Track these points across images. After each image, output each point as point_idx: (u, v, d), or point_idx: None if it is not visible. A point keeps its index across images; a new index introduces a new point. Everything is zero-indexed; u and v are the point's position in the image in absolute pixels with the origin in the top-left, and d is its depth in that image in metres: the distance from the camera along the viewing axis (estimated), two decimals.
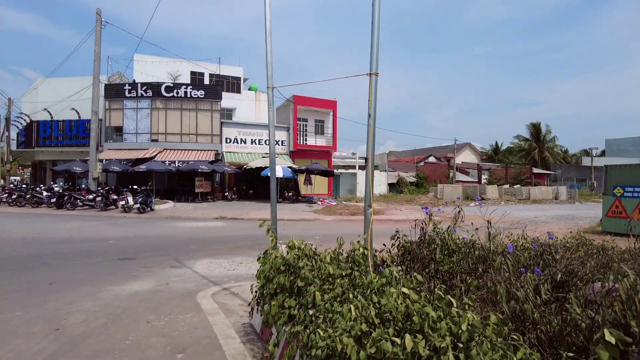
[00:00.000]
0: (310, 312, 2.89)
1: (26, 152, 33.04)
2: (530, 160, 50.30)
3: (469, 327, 1.88)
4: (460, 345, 1.85)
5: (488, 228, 3.87)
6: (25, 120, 31.85)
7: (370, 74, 3.82)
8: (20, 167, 60.12)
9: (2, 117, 37.41)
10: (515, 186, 36.63)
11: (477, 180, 43.05)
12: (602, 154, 57.08)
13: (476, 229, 4.18)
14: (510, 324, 2.06)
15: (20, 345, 3.85)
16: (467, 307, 2.08)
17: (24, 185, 25.52)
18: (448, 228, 4.28)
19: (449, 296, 2.06)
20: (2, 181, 37.95)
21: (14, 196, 21.06)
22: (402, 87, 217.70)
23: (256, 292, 4.03)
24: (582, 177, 48.59)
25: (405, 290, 2.21)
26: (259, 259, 4.09)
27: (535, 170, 45.92)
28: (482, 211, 4.41)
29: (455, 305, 2.02)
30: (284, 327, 3.22)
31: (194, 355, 3.70)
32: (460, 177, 46.81)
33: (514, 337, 1.87)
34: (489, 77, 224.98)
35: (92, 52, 21.91)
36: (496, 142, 59.01)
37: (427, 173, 44.96)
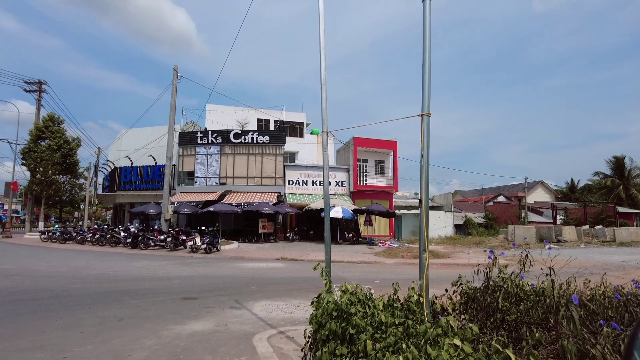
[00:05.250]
0: None
1: (109, 196, 36.24)
2: (614, 198, 45.65)
3: None
4: None
5: (550, 274, 3.53)
6: (110, 166, 35.21)
7: (422, 115, 3.79)
8: (104, 209, 65.89)
9: (92, 164, 41.83)
10: (596, 227, 33.37)
11: (551, 220, 39.93)
12: None
13: (547, 274, 3.81)
14: None
15: None
16: None
17: (105, 226, 27.80)
18: (518, 273, 3.95)
19: (507, 350, 1.87)
20: (88, 222, 41.75)
21: (96, 236, 23.05)
22: (470, 125, 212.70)
23: (309, 337, 3.94)
24: None
25: (456, 342, 2.05)
26: (312, 303, 4.03)
27: (621, 209, 41.41)
28: (558, 254, 4.06)
29: None
30: None
31: None
32: (533, 217, 43.77)
33: None
34: (562, 111, 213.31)
35: (168, 104, 24.02)
36: (572, 179, 54.79)
37: (497, 213, 42.57)
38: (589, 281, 4.42)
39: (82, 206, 49.38)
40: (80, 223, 49.06)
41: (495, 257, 4.14)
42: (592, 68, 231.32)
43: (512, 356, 1.83)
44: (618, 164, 48.46)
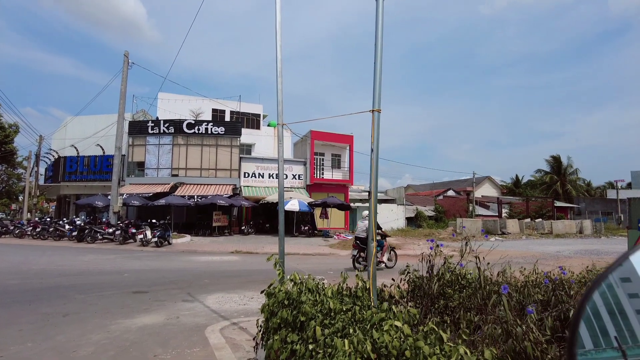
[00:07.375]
0: (311, 347, 2.87)
1: (52, 187, 34.19)
2: (552, 193, 49.10)
3: None
4: None
5: (477, 263, 3.85)
6: (53, 156, 33.20)
7: (373, 110, 3.92)
8: (46, 201, 62.05)
9: (33, 153, 39.21)
10: (536, 220, 35.71)
11: (497, 214, 42.19)
12: (629, 186, 55.50)
13: (487, 263, 4.11)
14: None
15: None
16: (460, 342, 2.05)
17: (48, 219, 26.24)
18: (464, 263, 4.23)
19: (441, 331, 2.04)
20: (28, 215, 39.18)
21: (38, 229, 21.71)
22: (423, 122, 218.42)
23: (261, 326, 4.01)
24: (607, 211, 47.13)
25: (397, 323, 2.19)
26: (262, 292, 4.10)
27: (558, 204, 44.70)
28: (495, 245, 4.37)
29: (446, 340, 2.00)
30: None
31: None
32: (480, 211, 45.97)
33: None
34: (508, 110, 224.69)
35: (118, 91, 22.97)
36: (516, 175, 58.20)
37: (446, 207, 44.35)
38: (525, 269, 4.80)
39: (21, 198, 46.27)
40: (17, 217, 46.00)
41: (438, 246, 4.39)
42: (535, 71, 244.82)
43: (444, 335, 2.00)
44: (556, 162, 52.14)
